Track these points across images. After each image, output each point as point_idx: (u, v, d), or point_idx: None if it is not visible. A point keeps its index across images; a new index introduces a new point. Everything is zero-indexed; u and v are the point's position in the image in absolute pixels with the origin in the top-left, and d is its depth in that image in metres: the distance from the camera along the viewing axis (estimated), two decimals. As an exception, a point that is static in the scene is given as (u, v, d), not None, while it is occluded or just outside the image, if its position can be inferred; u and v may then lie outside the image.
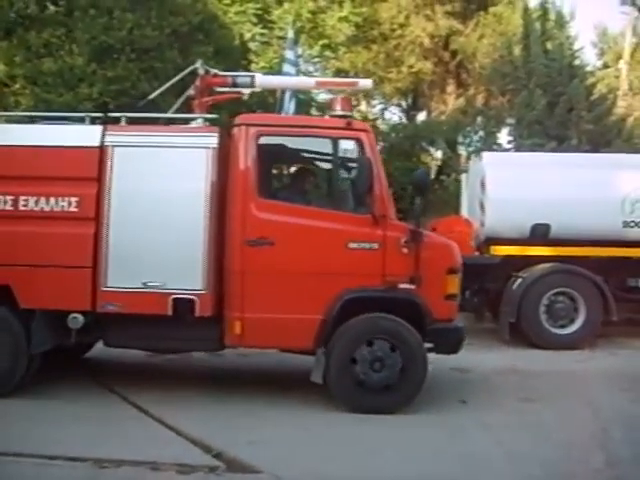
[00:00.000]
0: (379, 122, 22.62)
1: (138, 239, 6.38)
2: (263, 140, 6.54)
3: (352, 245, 6.35)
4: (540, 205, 9.77)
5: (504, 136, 18.90)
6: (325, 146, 6.61)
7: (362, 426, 5.77)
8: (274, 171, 7.43)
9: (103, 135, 6.52)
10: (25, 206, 6.40)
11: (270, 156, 6.93)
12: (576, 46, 18.69)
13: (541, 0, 18.52)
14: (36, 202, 6.39)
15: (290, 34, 12.09)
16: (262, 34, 16.20)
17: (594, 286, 9.82)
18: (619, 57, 24.97)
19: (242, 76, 8.46)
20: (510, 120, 18.44)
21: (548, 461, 4.99)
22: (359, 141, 6.49)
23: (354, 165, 6.52)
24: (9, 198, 6.40)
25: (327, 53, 18.34)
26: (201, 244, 6.35)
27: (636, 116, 20.15)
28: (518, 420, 6.01)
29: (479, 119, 20.38)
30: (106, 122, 6.73)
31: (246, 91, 8.46)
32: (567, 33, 18.85)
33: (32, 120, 7.26)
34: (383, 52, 22.01)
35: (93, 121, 6.80)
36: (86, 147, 6.50)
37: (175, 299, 6.31)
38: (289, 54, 11.41)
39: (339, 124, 6.57)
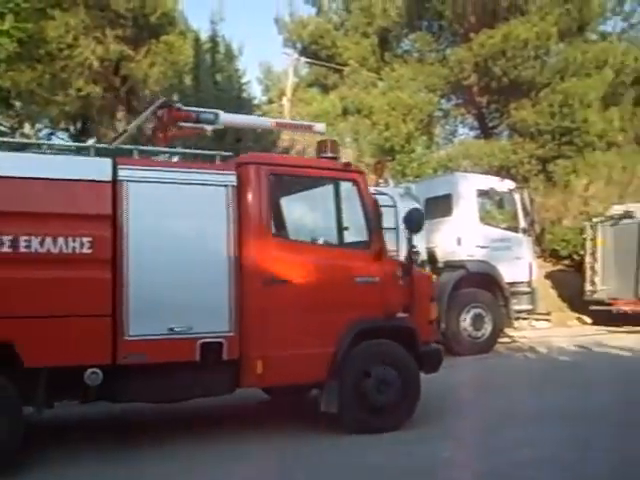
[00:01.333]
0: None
1: (160, 282, 5.98)
2: (273, 179, 6.65)
3: (358, 280, 6.77)
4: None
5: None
6: (329, 186, 7.05)
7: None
8: (284, 210, 7.37)
9: (115, 169, 5.99)
10: (27, 248, 5.58)
11: (280, 195, 7.12)
12: (244, 80, 19.62)
13: (211, 33, 19.10)
14: (41, 243, 5.61)
15: None
16: None
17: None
18: (282, 94, 26.75)
19: (205, 112, 8.55)
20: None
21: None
22: (356, 182, 6.99)
23: (354, 205, 6.98)
24: (5, 238, 5.52)
25: (-15, 69, 16.81)
26: (226, 284, 6.22)
27: (298, 149, 21.66)
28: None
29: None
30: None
31: (209, 127, 8.63)
32: (236, 67, 19.65)
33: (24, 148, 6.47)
34: (49, 73, 20.81)
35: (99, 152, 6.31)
36: (98, 181, 5.91)
37: (203, 343, 6.06)
38: None
39: (339, 166, 7.08)
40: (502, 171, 18.81)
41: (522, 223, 13.72)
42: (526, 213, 13.80)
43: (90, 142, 7.07)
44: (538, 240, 18.30)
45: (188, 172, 6.38)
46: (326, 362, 6.56)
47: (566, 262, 19.46)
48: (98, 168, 5.99)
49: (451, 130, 26.02)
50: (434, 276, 12.89)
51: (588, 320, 16.90)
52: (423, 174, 19.44)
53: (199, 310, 6.10)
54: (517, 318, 13.74)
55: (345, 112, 24.97)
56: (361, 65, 25.12)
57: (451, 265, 13.08)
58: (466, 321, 12.76)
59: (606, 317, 15.97)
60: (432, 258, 12.97)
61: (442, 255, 13.19)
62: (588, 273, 16.41)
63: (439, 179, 16.19)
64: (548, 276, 18.79)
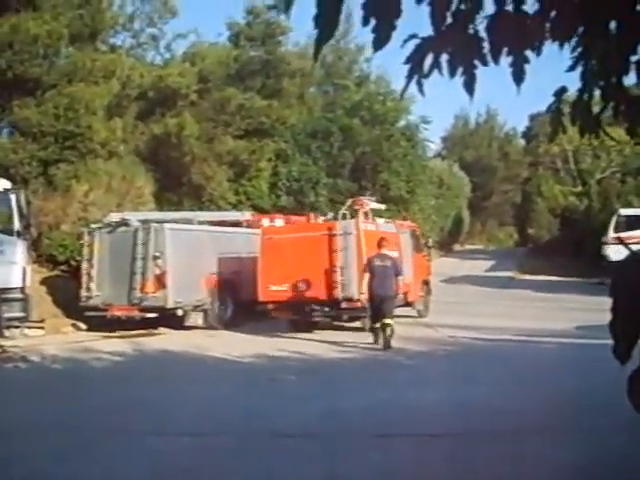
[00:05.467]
0: None
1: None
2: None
3: None
4: None
5: None
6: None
7: None
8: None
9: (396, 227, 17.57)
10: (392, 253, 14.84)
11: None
12: None
13: None
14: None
15: None
16: None
17: None
18: None
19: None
20: None
21: None
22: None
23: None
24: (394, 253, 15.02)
25: None
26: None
27: None
28: None
29: None
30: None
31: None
32: None
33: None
34: None
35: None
36: (395, 233, 16.67)
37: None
38: None
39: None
40: (0, 170, 17.72)
41: (17, 226, 13.11)
42: (22, 216, 13.22)
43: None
44: (35, 244, 17.75)
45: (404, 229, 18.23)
46: None
47: (63, 268, 19.25)
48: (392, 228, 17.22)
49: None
50: None
51: (83, 326, 16.92)
52: None
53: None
54: (8, 327, 13.00)
55: None
56: None
57: None
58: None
59: (101, 323, 16.24)
60: None
61: None
62: (84, 279, 16.44)
63: None
64: (44, 282, 18.32)
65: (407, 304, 16.97)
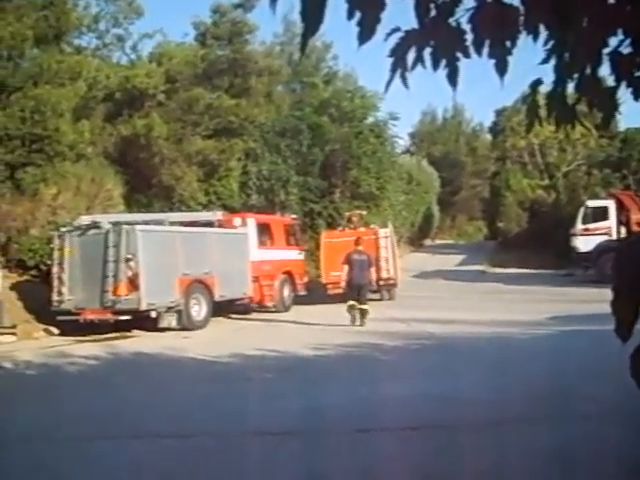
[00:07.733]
0: None
1: None
2: None
3: None
4: None
5: None
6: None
7: None
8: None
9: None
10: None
11: None
12: None
13: None
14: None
15: None
16: None
17: None
18: None
19: None
20: None
21: None
22: None
23: None
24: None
25: None
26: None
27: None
28: None
29: None
30: None
31: None
32: None
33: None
34: None
35: None
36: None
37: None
38: None
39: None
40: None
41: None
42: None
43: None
44: (4, 250, 17.56)
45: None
46: None
47: (33, 272, 19.01)
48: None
49: None
50: None
51: (56, 331, 16.73)
52: None
53: None
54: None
55: None
56: None
57: None
58: None
59: (74, 327, 16.09)
60: None
61: None
62: (55, 283, 16.28)
63: None
64: (14, 287, 18.09)
65: (393, 284, 22.86)
